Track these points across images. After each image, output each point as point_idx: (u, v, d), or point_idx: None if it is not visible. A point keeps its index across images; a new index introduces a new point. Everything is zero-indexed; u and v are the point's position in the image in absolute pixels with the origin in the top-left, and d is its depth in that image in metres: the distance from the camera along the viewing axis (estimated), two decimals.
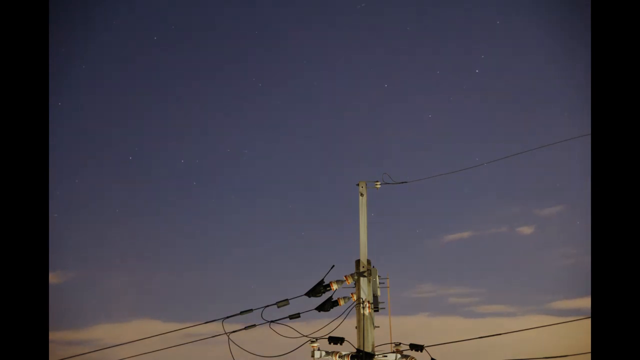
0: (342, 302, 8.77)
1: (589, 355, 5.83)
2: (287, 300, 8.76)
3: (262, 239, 22.10)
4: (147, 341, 9.28)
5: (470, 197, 20.66)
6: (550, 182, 19.84)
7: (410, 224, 20.89)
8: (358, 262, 8.95)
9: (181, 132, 22.44)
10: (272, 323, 8.70)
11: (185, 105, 22.46)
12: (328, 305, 8.72)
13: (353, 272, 8.91)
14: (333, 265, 8.67)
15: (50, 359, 6.60)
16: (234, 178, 22.47)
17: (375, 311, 8.78)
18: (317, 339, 8.52)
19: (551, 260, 20.68)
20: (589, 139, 6.11)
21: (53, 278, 20.12)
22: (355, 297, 8.80)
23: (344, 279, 8.83)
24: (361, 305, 8.71)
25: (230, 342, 8.65)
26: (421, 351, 8.43)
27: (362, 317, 8.72)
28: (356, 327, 8.75)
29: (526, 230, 20.78)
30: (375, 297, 8.85)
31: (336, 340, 8.39)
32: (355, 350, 8.51)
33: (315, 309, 8.75)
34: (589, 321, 5.87)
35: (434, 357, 8.26)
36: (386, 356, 8.60)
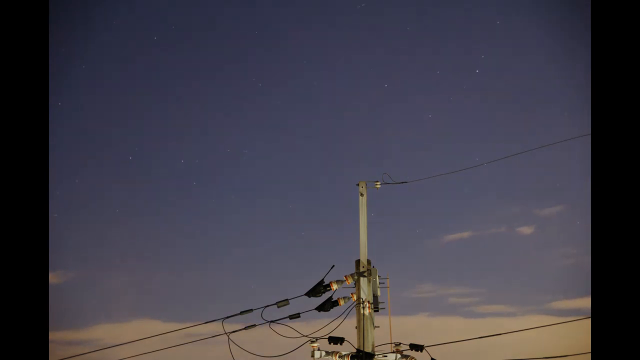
0: (342, 302, 8.77)
1: (589, 355, 5.83)
2: (287, 300, 8.76)
3: (262, 239, 22.12)
4: (147, 341, 9.29)
5: (470, 197, 20.68)
6: (550, 182, 19.86)
7: (410, 224, 20.91)
8: (358, 262, 8.95)
9: (181, 132, 22.46)
10: (272, 323, 8.70)
11: (185, 105, 22.48)
12: (328, 305, 8.72)
13: (353, 272, 8.91)
14: (333, 265, 8.68)
15: (50, 359, 6.60)
16: (234, 178, 22.49)
17: (375, 311, 8.78)
18: (317, 339, 8.52)
19: (551, 260, 20.69)
20: (589, 139, 6.11)
21: (53, 278, 20.14)
22: (355, 297, 8.80)
23: (344, 279, 8.83)
24: (361, 305, 8.72)
25: (230, 342, 8.65)
26: (421, 351, 8.43)
27: (362, 317, 8.72)
28: (356, 327, 8.75)
29: (526, 230, 20.79)
30: (375, 297, 8.85)
31: (336, 340, 8.39)
32: (355, 350, 8.51)
33: (315, 309, 8.75)
34: (589, 321, 5.87)
35: (434, 357, 8.26)
36: (386, 356, 8.60)
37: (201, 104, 22.42)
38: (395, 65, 21.38)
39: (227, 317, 8.80)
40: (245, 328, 8.89)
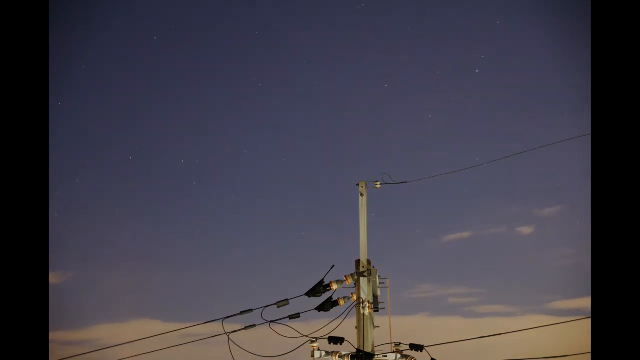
0: (342, 302, 8.77)
1: (589, 355, 5.83)
2: (287, 300, 8.76)
3: (262, 239, 22.11)
4: (147, 341, 9.29)
5: (470, 197, 20.67)
6: (550, 182, 19.86)
7: (410, 224, 20.90)
8: (358, 262, 8.95)
9: (181, 132, 22.46)
10: (272, 323, 8.70)
11: (185, 105, 22.47)
12: (328, 305, 8.72)
13: (353, 272, 8.91)
14: (333, 265, 8.68)
15: (50, 359, 6.60)
16: (234, 178, 22.49)
17: (375, 311, 8.78)
18: (317, 339, 8.52)
19: (551, 261, 20.69)
20: (589, 139, 6.11)
21: (53, 278, 20.13)
22: (355, 297, 8.80)
23: (344, 279, 8.83)
24: (361, 305, 8.71)
25: (230, 342, 8.65)
26: (421, 351, 8.43)
27: (362, 317, 8.72)
28: (356, 327, 8.75)
29: (526, 230, 20.80)
30: (375, 297, 8.85)
31: (336, 340, 8.39)
32: (355, 350, 8.51)
33: (315, 309, 8.75)
34: (589, 321, 5.87)
35: (434, 357, 8.26)
36: (386, 356, 8.60)
37: (201, 104, 22.44)
38: (395, 65, 21.39)
39: (227, 317, 8.80)
40: (245, 328, 8.89)
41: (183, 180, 21.82)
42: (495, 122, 21.22)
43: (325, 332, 8.51)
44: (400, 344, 8.62)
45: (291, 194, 22.20)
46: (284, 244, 21.83)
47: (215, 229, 22.32)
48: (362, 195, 9.15)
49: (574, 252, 19.70)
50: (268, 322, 8.71)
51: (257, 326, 8.84)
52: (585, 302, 17.20)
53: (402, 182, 9.39)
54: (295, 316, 8.73)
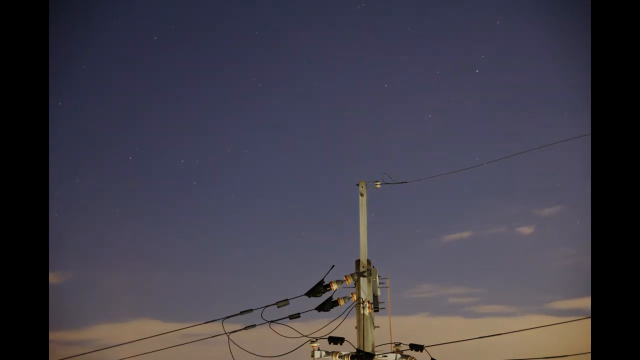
0: (342, 302, 8.77)
1: (589, 355, 5.83)
2: (287, 300, 8.76)
3: (262, 239, 22.11)
4: (147, 341, 9.29)
5: (470, 197, 20.67)
6: (550, 182, 19.86)
7: (410, 224, 20.90)
8: (358, 262, 8.95)
9: (181, 132, 22.46)
10: (272, 323, 8.71)
11: (185, 105, 22.47)
12: (328, 305, 8.72)
13: (353, 272, 8.91)
14: (333, 265, 8.68)
15: (50, 359, 6.60)
16: (234, 178, 22.49)
17: (375, 311, 8.78)
18: (317, 339, 8.52)
19: (551, 261, 20.69)
20: (589, 139, 6.11)
21: (53, 278, 20.13)
22: (355, 297, 8.80)
23: (344, 279, 8.83)
24: (361, 305, 8.71)
25: (230, 342, 8.65)
26: (421, 351, 8.43)
27: (362, 317, 8.72)
28: (356, 327, 8.75)
29: (526, 230, 20.80)
30: (375, 297, 8.85)
31: (336, 340, 8.39)
32: (355, 350, 8.51)
33: (315, 309, 8.75)
34: (589, 321, 5.87)
35: (434, 357, 8.26)
36: (386, 356, 8.60)
37: (201, 104, 22.44)
38: (395, 65, 21.39)
39: (227, 317, 8.80)
40: (245, 328, 8.89)
41: (183, 180, 21.84)
42: (495, 122, 21.24)
43: (325, 332, 8.51)
44: (400, 344, 8.62)
45: (291, 194, 22.22)
46: (284, 244, 21.84)
47: (215, 229, 22.34)
48: (362, 195, 9.15)
49: (574, 252, 19.71)
50: (268, 322, 8.72)
51: (257, 326, 8.84)
52: (585, 302, 17.21)
53: (402, 182, 9.39)
54: (295, 316, 8.73)
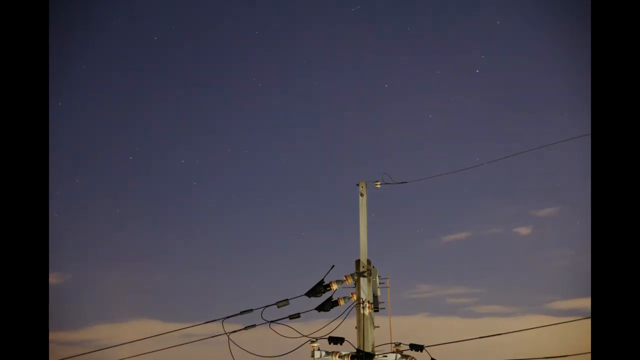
0: (342, 302, 8.77)
1: (589, 355, 5.83)
2: (287, 300, 8.76)
3: (262, 239, 22.11)
4: (147, 341, 9.29)
5: (470, 197, 20.67)
6: (550, 182, 19.86)
7: (410, 224, 20.89)
8: (358, 262, 8.95)
9: (181, 132, 22.47)
10: (272, 323, 8.71)
11: (185, 105, 22.48)
12: (328, 305, 8.72)
13: (353, 272, 8.91)
14: (333, 265, 8.68)
15: (50, 359, 6.60)
16: (234, 178, 22.49)
17: (375, 311, 8.78)
18: (317, 339, 8.52)
19: (550, 261, 20.70)
20: (589, 139, 6.11)
21: (53, 278, 20.13)
22: (355, 297, 8.80)
23: (344, 279, 8.83)
24: (361, 305, 8.72)
25: (230, 342, 8.65)
26: (421, 351, 8.43)
27: (362, 317, 8.72)
28: (356, 327, 8.75)
29: (525, 230, 20.79)
30: (375, 297, 8.85)
31: (336, 340, 8.39)
32: (355, 350, 8.51)
33: (315, 309, 8.75)
34: (588, 321, 5.87)
35: (434, 357, 8.26)
36: (386, 356, 8.60)
37: (201, 104, 22.44)
38: (395, 65, 21.39)
39: (227, 317, 8.80)
40: (245, 328, 8.89)
41: (183, 180, 21.84)
42: (495, 122, 21.24)
43: (325, 332, 8.51)
44: (400, 344, 8.62)
45: (291, 194, 22.21)
46: (284, 244, 21.84)
47: (215, 229, 22.34)
48: (362, 195, 9.15)
49: (573, 253, 19.71)
50: (268, 322, 8.72)
51: (257, 326, 8.84)
52: (584, 303, 17.22)
53: (402, 182, 9.39)
54: (295, 316, 8.73)
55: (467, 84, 20.55)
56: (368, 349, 8.59)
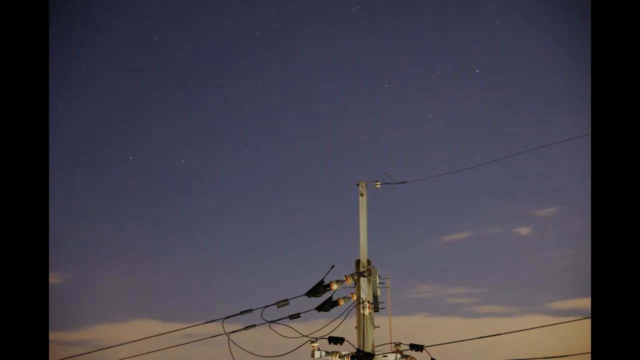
0: (342, 302, 8.77)
1: (589, 355, 5.83)
2: (287, 300, 8.76)
3: (262, 239, 22.11)
4: (147, 341, 9.30)
5: (470, 197, 20.67)
6: (550, 182, 19.86)
7: (410, 224, 20.90)
8: (358, 262, 8.95)
9: (181, 132, 22.47)
10: (272, 323, 8.71)
11: (185, 105, 22.48)
12: (328, 305, 8.72)
13: (353, 272, 8.91)
14: (333, 265, 8.68)
15: (50, 359, 6.60)
16: (234, 178, 22.49)
17: (375, 311, 8.78)
18: (317, 339, 8.52)
19: (550, 261, 20.70)
20: (589, 139, 6.11)
21: (53, 278, 20.13)
22: (355, 297, 8.80)
23: (344, 279, 8.83)
24: (361, 305, 8.72)
25: (230, 342, 8.65)
26: (421, 351, 8.43)
27: (362, 317, 8.72)
28: (356, 327, 8.75)
29: (525, 230, 20.79)
30: (375, 297, 8.85)
31: (336, 340, 8.39)
32: (355, 350, 8.51)
33: (315, 309, 8.75)
34: (588, 321, 5.87)
35: (434, 357, 8.26)
36: (386, 356, 8.60)
37: (201, 104, 22.44)
38: (395, 65, 21.39)
39: (227, 317, 8.80)
40: (245, 328, 8.89)
41: (183, 180, 21.85)
42: (495, 122, 21.24)
43: (325, 332, 8.51)
44: (400, 344, 8.62)
45: (291, 194, 22.22)
46: (284, 244, 21.84)
47: (215, 229, 22.34)
48: (362, 195, 9.15)
49: (573, 253, 19.72)
50: (268, 322, 8.72)
51: (257, 326, 8.84)
52: (583, 303, 17.23)
53: (402, 182, 9.39)
54: (295, 316, 8.73)
55: (467, 84, 20.56)
56: (368, 349, 8.59)
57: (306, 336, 8.51)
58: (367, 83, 21.76)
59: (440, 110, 21.00)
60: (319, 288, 8.72)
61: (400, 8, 20.74)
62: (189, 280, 21.87)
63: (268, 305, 8.73)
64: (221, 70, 22.16)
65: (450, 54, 21.07)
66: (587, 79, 6.24)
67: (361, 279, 8.83)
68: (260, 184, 22.56)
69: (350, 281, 8.82)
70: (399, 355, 8.57)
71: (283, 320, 8.70)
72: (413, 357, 8.51)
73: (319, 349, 8.58)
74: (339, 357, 8.52)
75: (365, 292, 8.78)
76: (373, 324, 8.75)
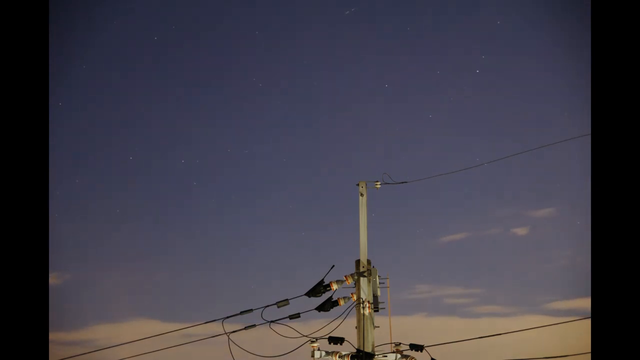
0: (342, 302, 8.77)
1: (589, 355, 5.83)
2: (287, 300, 8.76)
3: (262, 239, 22.11)
4: (147, 341, 9.30)
5: (470, 197, 20.68)
6: (550, 182, 19.87)
7: (410, 224, 20.91)
8: (358, 262, 8.95)
9: (181, 132, 22.48)
10: (272, 323, 8.71)
11: (185, 105, 22.49)
12: (328, 305, 8.72)
13: (353, 272, 8.91)
14: (333, 265, 8.68)
15: (50, 359, 6.60)
16: (234, 178, 22.50)
17: (375, 311, 8.78)
18: (317, 339, 8.52)
19: (549, 261, 20.70)
20: (589, 139, 6.11)
21: (53, 278, 20.13)
22: (355, 297, 8.80)
23: (344, 279, 8.83)
24: (361, 305, 8.72)
25: (230, 342, 8.65)
26: (421, 351, 8.43)
27: (362, 317, 8.72)
28: (356, 327, 8.75)
29: (524, 230, 20.80)
30: (375, 297, 8.85)
31: (336, 340, 8.40)
32: (355, 350, 8.51)
33: (315, 309, 8.75)
34: (588, 321, 5.88)
35: (434, 357, 8.26)
36: (386, 356, 8.60)
37: (201, 104, 22.45)
38: (395, 65, 21.40)
39: (227, 317, 8.80)
40: (245, 328, 8.89)
41: (183, 180, 21.85)
42: (495, 122, 21.24)
43: (325, 332, 8.51)
44: (400, 344, 8.63)
45: (291, 194, 22.22)
46: (283, 244, 21.85)
47: (215, 229, 22.35)
48: (362, 195, 9.15)
49: (572, 253, 19.72)
50: (268, 322, 8.72)
51: (257, 326, 8.84)
52: (583, 303, 17.23)
53: (402, 182, 9.39)
54: (295, 316, 8.73)
55: (467, 84, 20.57)
56: (368, 349, 8.59)
57: (306, 336, 8.51)
58: (367, 83, 21.78)
59: (440, 110, 21.02)
60: (319, 288, 8.72)
61: (400, 8, 20.76)
62: (189, 280, 21.89)
63: (268, 305, 8.74)
64: (221, 70, 22.19)
65: (450, 54, 21.09)
66: (587, 79, 6.24)
67: (361, 279, 8.83)
68: (260, 184, 22.58)
69: (350, 281, 8.82)
70: (399, 355, 8.57)
71: (283, 320, 8.71)
72: (413, 357, 8.51)
73: (319, 349, 8.58)
74: (339, 357, 8.52)
75: (365, 292, 8.78)
76: (373, 324, 8.75)
